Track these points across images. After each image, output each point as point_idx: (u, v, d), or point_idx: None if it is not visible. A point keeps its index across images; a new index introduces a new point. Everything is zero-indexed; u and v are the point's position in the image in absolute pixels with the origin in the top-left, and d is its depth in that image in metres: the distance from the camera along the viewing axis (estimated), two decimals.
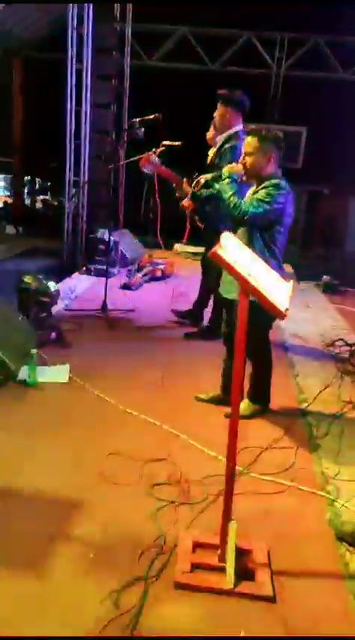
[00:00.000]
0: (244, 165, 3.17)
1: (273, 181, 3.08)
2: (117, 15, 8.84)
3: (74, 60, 7.75)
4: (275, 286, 1.99)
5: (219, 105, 4.47)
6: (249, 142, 3.14)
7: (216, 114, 4.53)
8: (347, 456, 3.08)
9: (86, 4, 7.51)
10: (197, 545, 2.26)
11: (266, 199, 3.04)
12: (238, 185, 3.13)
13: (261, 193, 3.06)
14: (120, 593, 2.01)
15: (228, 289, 3.28)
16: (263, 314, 3.04)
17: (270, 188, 3.05)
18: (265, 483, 2.79)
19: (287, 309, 1.88)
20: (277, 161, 3.15)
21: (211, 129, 4.70)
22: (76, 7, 7.60)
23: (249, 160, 3.15)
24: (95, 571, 2.13)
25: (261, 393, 3.53)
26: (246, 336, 3.24)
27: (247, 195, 3.23)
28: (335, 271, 8.16)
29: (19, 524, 2.37)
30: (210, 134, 4.72)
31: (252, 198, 3.10)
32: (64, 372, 3.89)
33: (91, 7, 7.54)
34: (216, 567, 2.16)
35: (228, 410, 3.42)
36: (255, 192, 3.14)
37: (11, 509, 2.47)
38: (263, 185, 3.11)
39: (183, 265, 7.99)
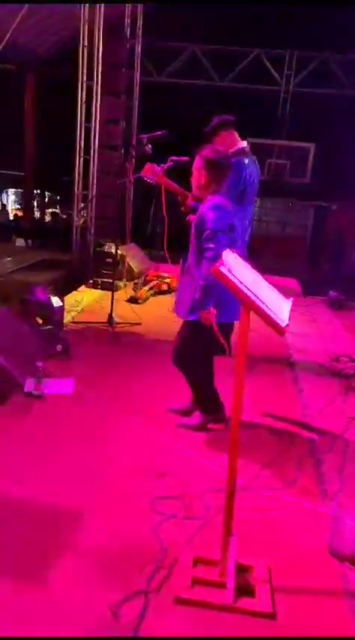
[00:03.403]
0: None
1: (212, 203, 3.11)
2: (128, 32, 8.99)
3: (85, 76, 7.90)
4: (275, 302, 2.01)
5: (214, 139, 4.38)
6: (195, 160, 3.25)
7: (216, 144, 4.40)
8: (350, 473, 3.08)
9: (96, 21, 7.66)
10: (198, 560, 2.26)
11: (218, 231, 3.02)
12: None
13: (209, 224, 3.04)
14: (120, 605, 2.02)
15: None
16: (210, 340, 3.09)
17: (212, 213, 3.05)
18: (267, 499, 2.79)
19: (286, 325, 1.90)
20: (215, 179, 3.18)
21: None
22: (86, 25, 7.76)
23: (192, 176, 3.28)
24: (95, 583, 2.14)
25: (204, 405, 3.50)
26: (187, 350, 3.31)
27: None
28: (342, 286, 8.18)
29: (20, 534, 2.38)
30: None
31: (206, 236, 3.04)
32: (69, 384, 3.92)
33: (102, 24, 7.69)
34: (216, 583, 2.15)
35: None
36: (200, 218, 3.13)
37: (12, 519, 2.49)
38: (204, 208, 3.13)
39: None
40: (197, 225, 3.16)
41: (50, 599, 2.05)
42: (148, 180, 4.73)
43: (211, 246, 2.96)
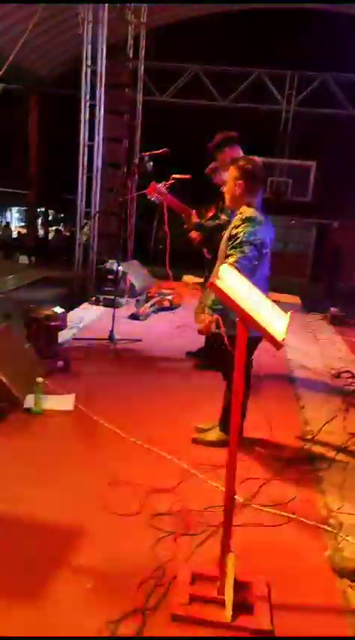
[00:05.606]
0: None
1: (246, 215, 3.08)
2: (130, 53, 9.14)
3: (88, 96, 8.01)
4: (273, 317, 2.02)
5: (218, 155, 4.41)
6: (229, 170, 3.24)
7: (220, 160, 4.42)
8: (351, 490, 3.05)
9: (99, 43, 7.80)
10: (196, 577, 2.24)
11: (246, 242, 3.01)
12: None
13: (240, 234, 3.03)
14: (118, 623, 2.00)
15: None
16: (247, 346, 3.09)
17: (245, 225, 3.04)
18: (267, 515, 2.77)
19: (283, 339, 1.91)
20: (251, 190, 3.16)
21: (211, 165, 4.64)
22: (90, 46, 7.89)
23: (226, 187, 3.27)
24: (93, 601, 2.12)
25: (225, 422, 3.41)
26: (230, 367, 3.27)
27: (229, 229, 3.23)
28: (344, 303, 8.19)
29: (19, 552, 2.37)
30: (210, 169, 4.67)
31: (234, 244, 3.04)
32: (70, 400, 3.91)
33: (105, 45, 7.83)
34: (214, 600, 2.13)
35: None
36: (233, 229, 3.11)
37: (11, 537, 2.47)
38: (237, 220, 3.11)
39: (192, 296, 8.05)
40: (230, 235, 3.14)
41: (46, 618, 2.03)
42: (153, 199, 4.76)
43: (235, 253, 2.95)
